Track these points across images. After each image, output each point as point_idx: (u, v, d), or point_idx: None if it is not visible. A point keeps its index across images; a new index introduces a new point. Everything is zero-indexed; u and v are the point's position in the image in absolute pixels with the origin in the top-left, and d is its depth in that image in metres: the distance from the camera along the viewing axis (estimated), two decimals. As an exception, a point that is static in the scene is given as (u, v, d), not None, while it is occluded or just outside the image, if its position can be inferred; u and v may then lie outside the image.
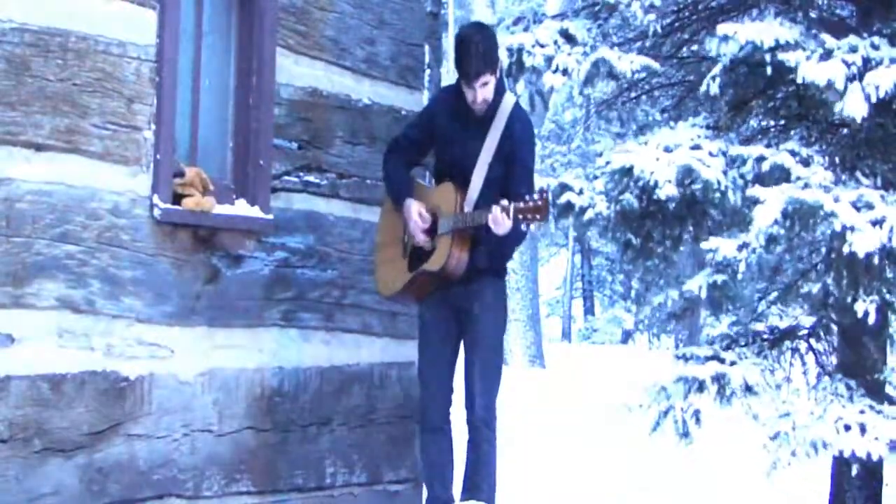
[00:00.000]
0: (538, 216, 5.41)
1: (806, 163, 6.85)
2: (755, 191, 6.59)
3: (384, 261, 5.94)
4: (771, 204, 6.48)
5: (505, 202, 5.43)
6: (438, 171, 5.87)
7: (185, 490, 5.52)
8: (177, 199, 5.45)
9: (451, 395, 5.82)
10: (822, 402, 7.05)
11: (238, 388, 5.78)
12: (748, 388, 7.15)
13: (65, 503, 5.02)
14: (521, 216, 5.41)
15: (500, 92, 5.74)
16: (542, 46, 7.49)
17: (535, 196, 5.43)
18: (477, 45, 5.63)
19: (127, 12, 5.27)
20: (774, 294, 8.04)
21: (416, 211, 5.72)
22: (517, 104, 5.79)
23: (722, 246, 6.69)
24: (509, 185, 5.62)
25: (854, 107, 6.57)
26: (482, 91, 5.63)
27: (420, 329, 5.89)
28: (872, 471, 7.46)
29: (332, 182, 6.28)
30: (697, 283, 7.11)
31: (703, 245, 6.84)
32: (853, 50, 6.74)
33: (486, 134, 5.68)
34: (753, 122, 8.01)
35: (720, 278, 6.95)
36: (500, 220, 5.41)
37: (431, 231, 5.71)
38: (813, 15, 7.47)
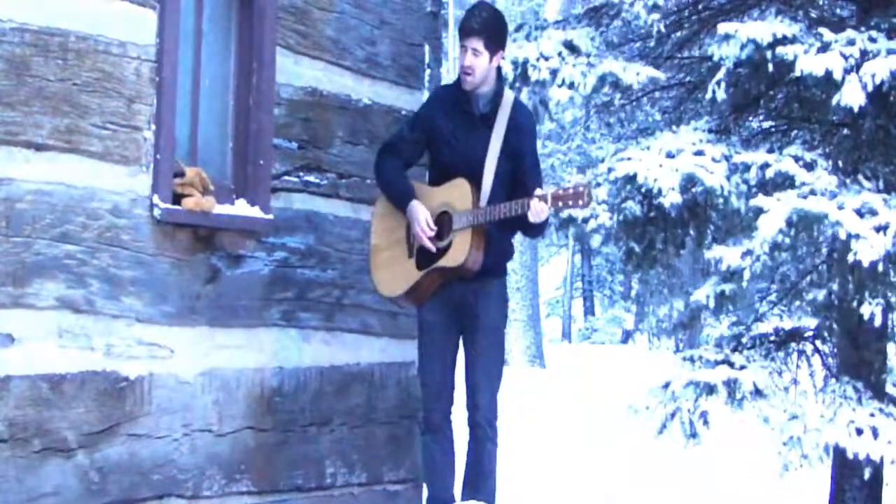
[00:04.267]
0: (580, 203, 5.47)
1: (810, 167, 6.86)
2: (759, 200, 6.60)
3: (385, 263, 5.87)
4: (775, 213, 6.49)
5: (540, 191, 5.47)
6: (438, 171, 5.82)
7: (185, 490, 5.52)
8: (177, 199, 5.44)
9: (453, 394, 5.81)
10: (830, 404, 7.06)
11: (238, 388, 5.77)
12: (758, 392, 7.15)
13: (65, 503, 5.02)
14: (560, 203, 5.47)
15: (499, 88, 5.75)
16: (546, 59, 7.49)
17: (577, 183, 5.49)
18: (482, 11, 5.71)
19: (127, 12, 5.27)
20: (774, 295, 8.04)
21: (423, 219, 5.70)
22: (517, 98, 5.83)
23: (726, 255, 6.69)
24: (521, 177, 5.65)
25: (852, 97, 6.62)
26: (467, 57, 5.66)
27: (420, 328, 5.86)
28: (873, 472, 7.45)
29: (332, 182, 6.28)
30: (704, 293, 7.12)
31: (708, 254, 6.85)
32: (851, 43, 6.77)
33: (491, 129, 5.68)
34: (755, 124, 8.02)
35: (728, 287, 6.96)
36: (538, 210, 5.46)
37: (439, 232, 5.70)
38: (813, 15, 7.48)
